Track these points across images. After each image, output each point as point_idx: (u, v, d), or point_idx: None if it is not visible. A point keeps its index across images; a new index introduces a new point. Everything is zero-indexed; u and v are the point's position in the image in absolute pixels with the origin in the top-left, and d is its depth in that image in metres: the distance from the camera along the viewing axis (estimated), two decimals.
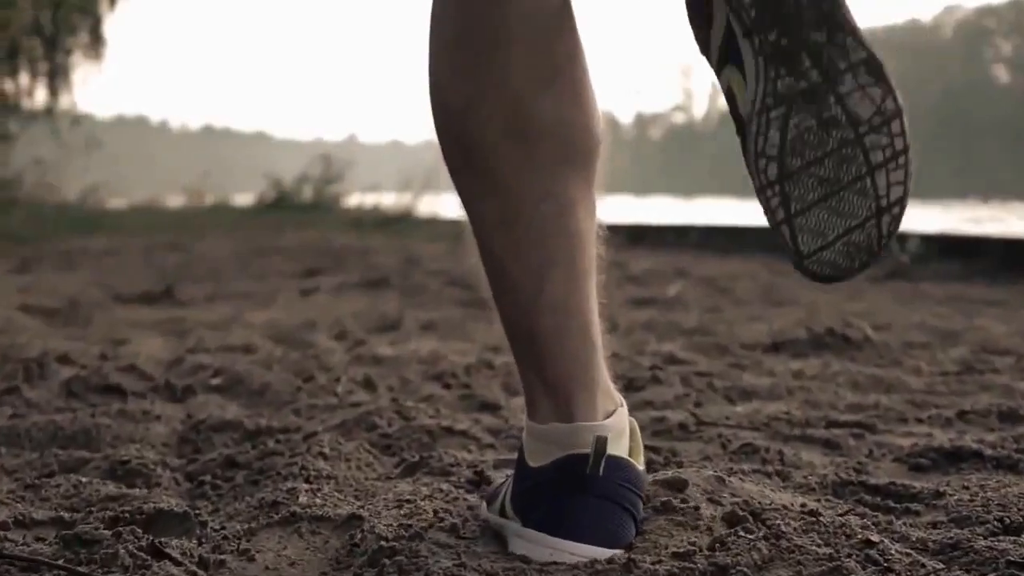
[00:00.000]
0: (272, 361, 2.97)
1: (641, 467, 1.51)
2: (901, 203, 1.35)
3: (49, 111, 23.26)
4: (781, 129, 1.34)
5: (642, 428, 1.85)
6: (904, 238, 7.48)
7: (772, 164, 1.34)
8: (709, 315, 4.48)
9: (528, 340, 1.50)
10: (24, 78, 23.33)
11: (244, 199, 18.17)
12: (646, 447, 1.70)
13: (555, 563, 1.41)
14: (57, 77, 22.92)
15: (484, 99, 1.44)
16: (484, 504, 1.62)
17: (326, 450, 1.83)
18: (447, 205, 14.73)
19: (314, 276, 6.49)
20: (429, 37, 1.48)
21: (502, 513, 1.56)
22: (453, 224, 11.97)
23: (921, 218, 11.17)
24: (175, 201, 19.65)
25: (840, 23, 1.33)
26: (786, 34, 1.34)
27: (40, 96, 23.30)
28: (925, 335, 3.58)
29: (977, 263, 6.67)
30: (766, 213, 1.36)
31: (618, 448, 1.48)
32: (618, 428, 1.49)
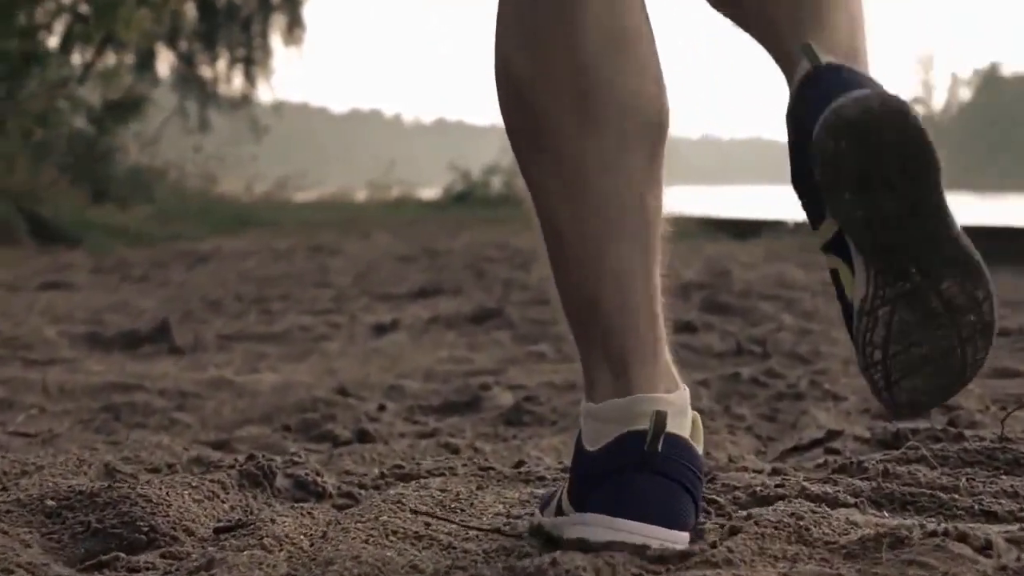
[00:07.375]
0: None
1: (700, 451, 1.49)
2: (982, 362, 1.41)
3: (246, 98, 22.54)
4: (887, 325, 1.38)
5: None
6: None
7: (877, 351, 1.39)
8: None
9: (589, 311, 1.48)
10: (222, 64, 22.59)
11: (434, 193, 16.85)
12: None
13: (613, 543, 1.37)
14: (254, 64, 22.13)
15: (551, 69, 1.44)
16: (538, 512, 1.57)
17: None
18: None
19: (425, 298, 4.93)
20: (497, 7, 1.49)
21: (559, 512, 1.52)
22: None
23: None
24: (363, 195, 18.44)
25: (944, 235, 1.36)
26: (896, 256, 1.37)
27: (237, 83, 22.57)
28: None
29: None
30: (869, 383, 1.41)
31: (679, 428, 1.46)
32: (679, 405, 1.47)
